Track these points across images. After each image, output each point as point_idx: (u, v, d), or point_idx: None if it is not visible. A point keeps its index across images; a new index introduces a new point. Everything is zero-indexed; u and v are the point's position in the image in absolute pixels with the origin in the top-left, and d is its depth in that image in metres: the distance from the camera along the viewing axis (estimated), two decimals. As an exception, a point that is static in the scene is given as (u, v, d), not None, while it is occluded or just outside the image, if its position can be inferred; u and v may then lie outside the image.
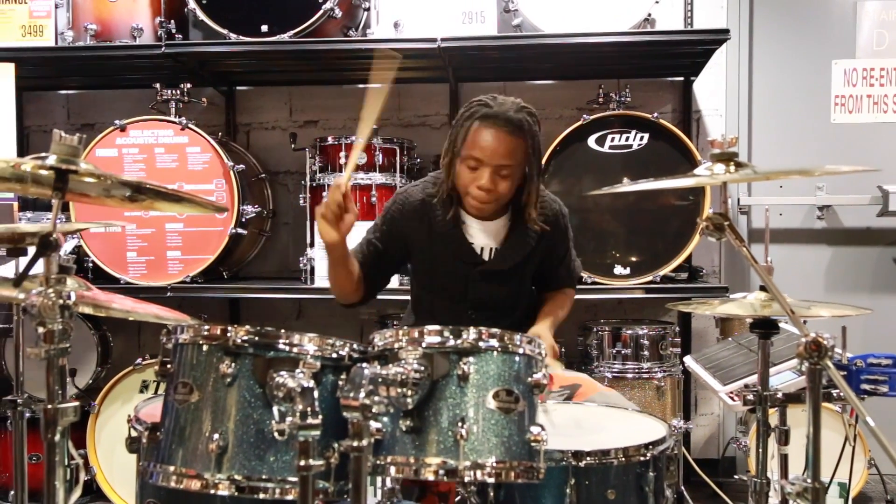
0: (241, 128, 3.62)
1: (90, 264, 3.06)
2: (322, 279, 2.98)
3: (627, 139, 2.98)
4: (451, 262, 2.06)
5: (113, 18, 3.10)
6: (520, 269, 2.12)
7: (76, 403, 1.31)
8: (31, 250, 1.32)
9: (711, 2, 3.43)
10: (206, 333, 1.32)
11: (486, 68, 3.38)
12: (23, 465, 1.81)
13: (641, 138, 2.98)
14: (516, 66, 3.37)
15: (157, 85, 3.11)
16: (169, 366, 1.36)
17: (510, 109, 1.92)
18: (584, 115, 2.99)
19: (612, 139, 2.99)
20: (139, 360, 2.93)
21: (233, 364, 1.29)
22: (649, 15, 2.97)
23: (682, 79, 3.45)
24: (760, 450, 1.59)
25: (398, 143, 3.08)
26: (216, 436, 1.26)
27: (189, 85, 3.13)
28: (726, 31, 2.92)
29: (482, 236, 2.07)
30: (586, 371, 2.83)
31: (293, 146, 3.16)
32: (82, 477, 2.59)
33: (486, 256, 2.08)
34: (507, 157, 1.92)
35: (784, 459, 1.64)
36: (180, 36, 3.15)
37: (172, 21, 3.13)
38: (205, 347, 1.32)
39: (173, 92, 3.09)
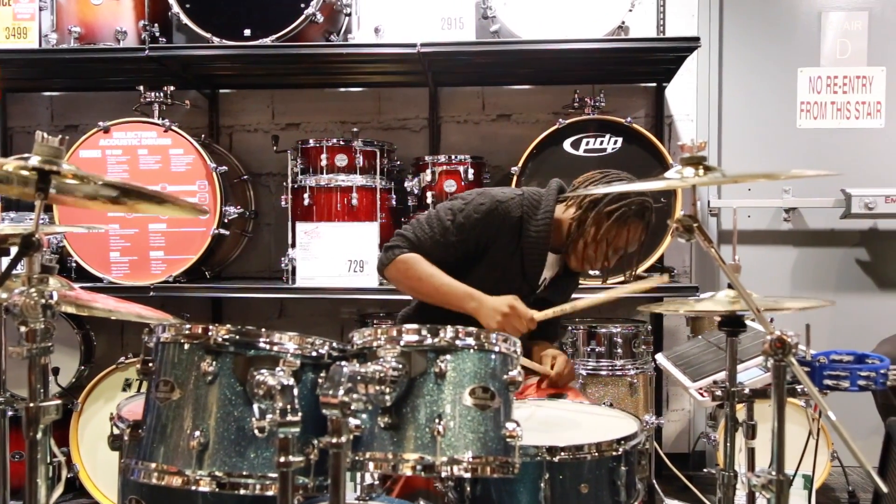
0: (223, 130, 3.62)
1: (73, 264, 3.05)
2: (303, 279, 2.98)
3: (602, 143, 3.02)
4: (519, 280, 2.08)
5: (97, 21, 3.09)
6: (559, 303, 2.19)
7: (58, 402, 1.30)
8: (14, 251, 1.31)
9: (683, 10, 3.47)
10: (187, 332, 1.33)
11: (465, 73, 3.41)
12: (5, 463, 1.79)
13: (615, 142, 3.03)
14: (494, 72, 3.40)
15: (141, 87, 3.10)
16: (151, 364, 1.36)
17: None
18: (560, 120, 3.03)
19: (587, 143, 3.03)
20: (122, 359, 2.93)
21: (214, 362, 1.29)
22: (623, 23, 2.99)
23: (654, 84, 3.49)
24: (728, 444, 1.61)
25: (378, 145, 3.10)
26: (197, 433, 1.26)
27: (172, 87, 3.12)
28: (697, 39, 2.94)
29: (548, 267, 2.13)
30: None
31: (275, 148, 3.16)
32: (64, 474, 2.60)
33: (541, 284, 2.14)
34: None
35: (751, 453, 1.63)
36: (164, 39, 3.16)
37: (156, 24, 3.13)
38: (186, 346, 1.33)
39: (157, 94, 3.08)
